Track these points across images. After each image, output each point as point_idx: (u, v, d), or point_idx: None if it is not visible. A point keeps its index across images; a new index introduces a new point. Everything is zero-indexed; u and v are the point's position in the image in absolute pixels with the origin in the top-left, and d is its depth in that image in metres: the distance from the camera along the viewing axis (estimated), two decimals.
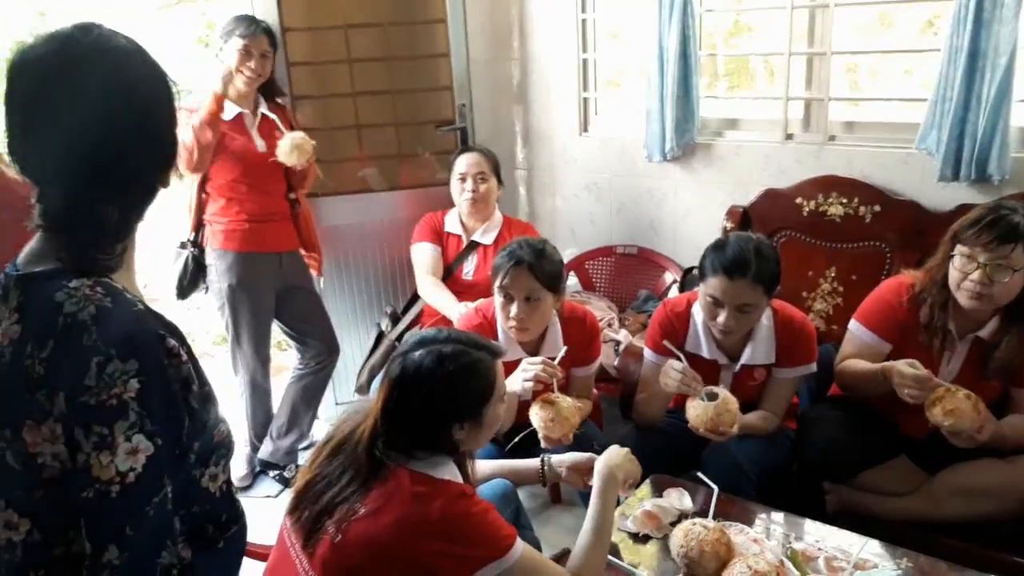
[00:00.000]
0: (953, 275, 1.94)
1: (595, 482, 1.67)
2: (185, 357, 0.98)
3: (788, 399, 2.22)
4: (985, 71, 2.33)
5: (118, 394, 0.90)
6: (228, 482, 1.09)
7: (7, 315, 0.98)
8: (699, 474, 1.83)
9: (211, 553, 1.08)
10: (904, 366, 1.88)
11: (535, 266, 2.08)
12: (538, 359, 2.02)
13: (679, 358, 2.04)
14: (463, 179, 2.84)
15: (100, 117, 0.96)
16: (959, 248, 1.92)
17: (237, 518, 1.12)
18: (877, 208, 2.60)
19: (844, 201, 2.64)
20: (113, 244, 1.01)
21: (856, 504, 2.14)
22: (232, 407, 3.10)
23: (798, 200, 2.73)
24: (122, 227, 1.02)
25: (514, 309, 2.09)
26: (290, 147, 2.66)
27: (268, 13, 2.91)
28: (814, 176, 2.72)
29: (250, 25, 2.62)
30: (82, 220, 0.98)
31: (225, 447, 1.06)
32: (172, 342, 0.96)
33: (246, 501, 2.88)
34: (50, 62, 0.96)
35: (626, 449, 1.75)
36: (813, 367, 2.18)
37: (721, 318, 2.03)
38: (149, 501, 0.93)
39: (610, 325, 2.95)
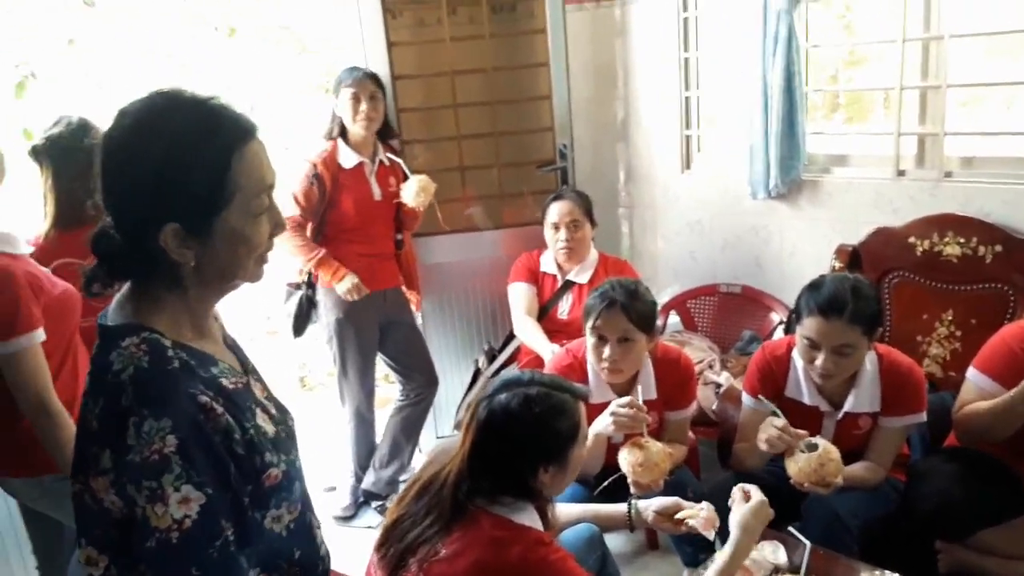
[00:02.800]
0: None
1: (732, 531, 1.63)
2: (221, 410, 1.00)
3: (895, 450, 2.10)
4: None
5: (158, 450, 0.94)
6: (296, 521, 1.12)
7: (92, 363, 1.06)
8: (791, 528, 1.75)
9: None
10: None
11: (628, 307, 2.07)
12: (626, 400, 2.00)
13: (776, 413, 1.97)
14: (556, 228, 2.87)
15: (132, 183, 1.02)
16: None
17: (316, 561, 1.16)
18: (999, 248, 2.44)
19: (961, 241, 2.50)
20: (115, 281, 1.07)
21: (973, 566, 1.99)
22: (339, 437, 3.23)
23: (911, 239, 2.60)
24: (140, 272, 1.06)
25: (607, 351, 2.08)
26: (417, 189, 2.80)
27: (380, 63, 3.06)
28: (929, 214, 2.58)
29: (353, 72, 2.77)
30: (115, 255, 1.05)
31: (282, 489, 1.09)
32: (204, 398, 0.99)
33: (349, 531, 3.01)
34: (113, 133, 1.05)
35: (762, 502, 1.68)
36: (923, 416, 2.05)
37: (818, 361, 1.96)
38: (211, 544, 0.97)
39: (711, 367, 2.89)
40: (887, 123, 3.49)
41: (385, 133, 2.92)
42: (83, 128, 2.16)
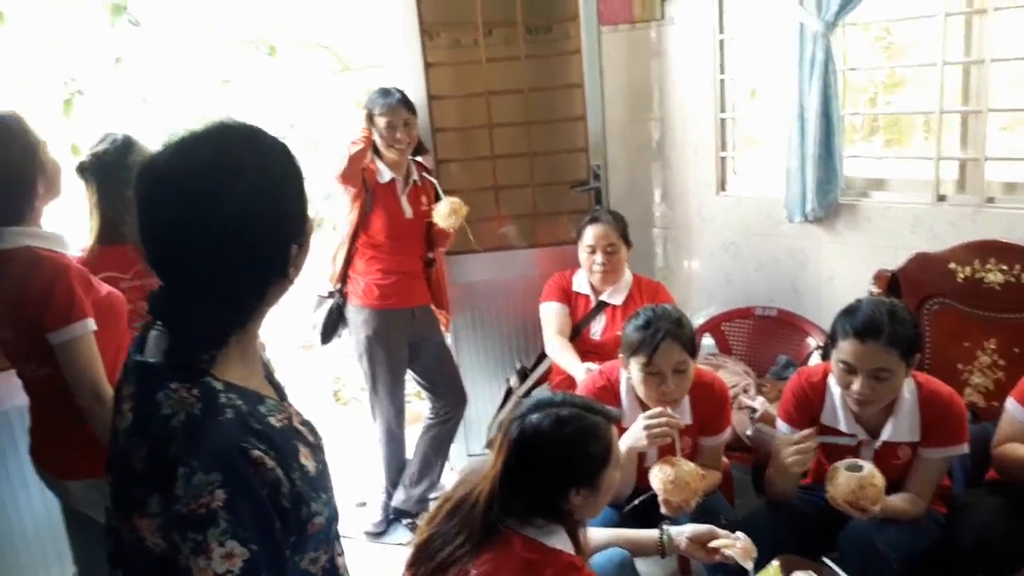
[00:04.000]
0: None
1: None
2: (271, 464, 0.96)
3: (936, 481, 2.05)
4: None
5: (206, 504, 0.91)
6: (331, 560, 1.10)
7: (126, 398, 1.03)
8: (826, 559, 1.72)
9: None
10: None
11: (679, 335, 2.04)
12: (656, 410, 1.98)
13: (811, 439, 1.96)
14: (592, 251, 2.85)
15: (201, 230, 0.97)
16: None
17: None
18: None
19: (1004, 268, 2.45)
20: (209, 350, 1.01)
21: None
22: (371, 452, 3.25)
23: (952, 265, 2.55)
24: (221, 334, 1.02)
25: (667, 384, 2.04)
26: (448, 211, 2.83)
27: (417, 84, 3.10)
28: (970, 240, 2.54)
29: (387, 98, 2.80)
30: (177, 324, 1.01)
31: (323, 534, 1.06)
32: (256, 452, 0.96)
33: (379, 548, 3.01)
34: (164, 168, 1.00)
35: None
36: (964, 448, 2.01)
37: (855, 385, 1.92)
38: None
39: (745, 391, 2.85)
40: (927, 147, 3.45)
41: (416, 150, 2.96)
42: (127, 145, 2.21)
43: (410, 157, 2.96)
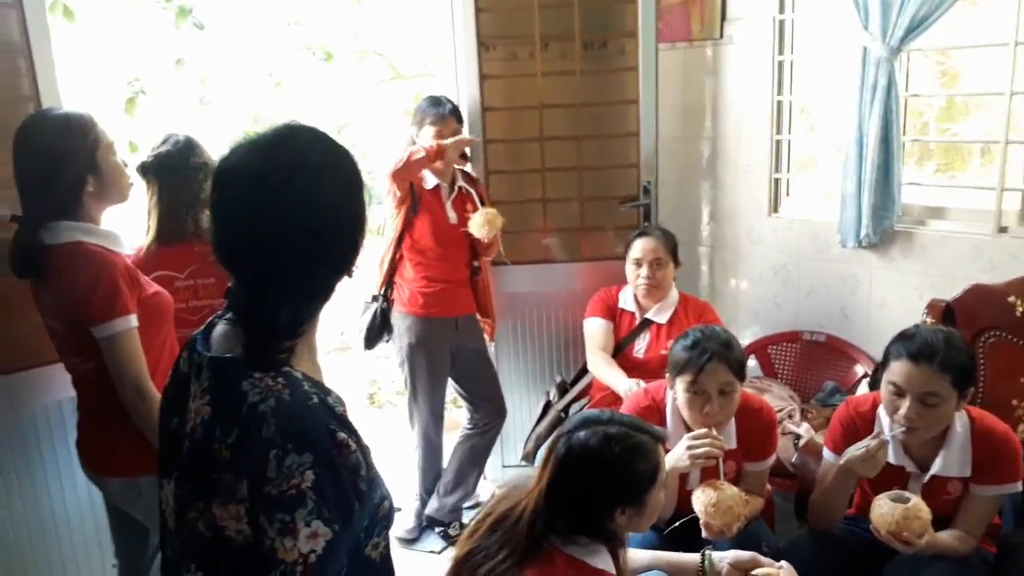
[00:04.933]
0: None
1: None
2: (354, 447, 1.02)
3: (987, 519, 1.99)
4: None
5: (296, 484, 0.95)
6: (387, 546, 1.14)
7: (199, 394, 1.05)
8: None
9: None
10: None
11: (727, 357, 2.02)
12: (702, 431, 1.96)
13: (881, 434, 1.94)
14: (639, 264, 2.83)
15: (282, 227, 1.02)
16: None
17: None
18: None
19: None
20: (285, 342, 1.05)
21: None
22: (406, 457, 3.26)
23: (1011, 299, 2.48)
24: (295, 326, 1.06)
25: (711, 406, 2.01)
26: (482, 221, 2.84)
27: (471, 95, 3.13)
28: None
29: (438, 108, 2.84)
30: (258, 319, 1.04)
31: (388, 519, 1.11)
32: (342, 435, 1.00)
33: (411, 554, 3.02)
34: (244, 170, 1.04)
35: None
36: (1018, 486, 1.95)
37: (903, 409, 1.88)
38: None
39: (791, 417, 2.81)
40: (984, 175, 3.38)
41: (462, 157, 2.98)
42: (189, 147, 2.26)
43: (458, 167, 2.98)
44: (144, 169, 2.23)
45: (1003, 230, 2.62)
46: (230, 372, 1.03)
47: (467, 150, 3.03)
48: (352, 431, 1.04)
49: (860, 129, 2.76)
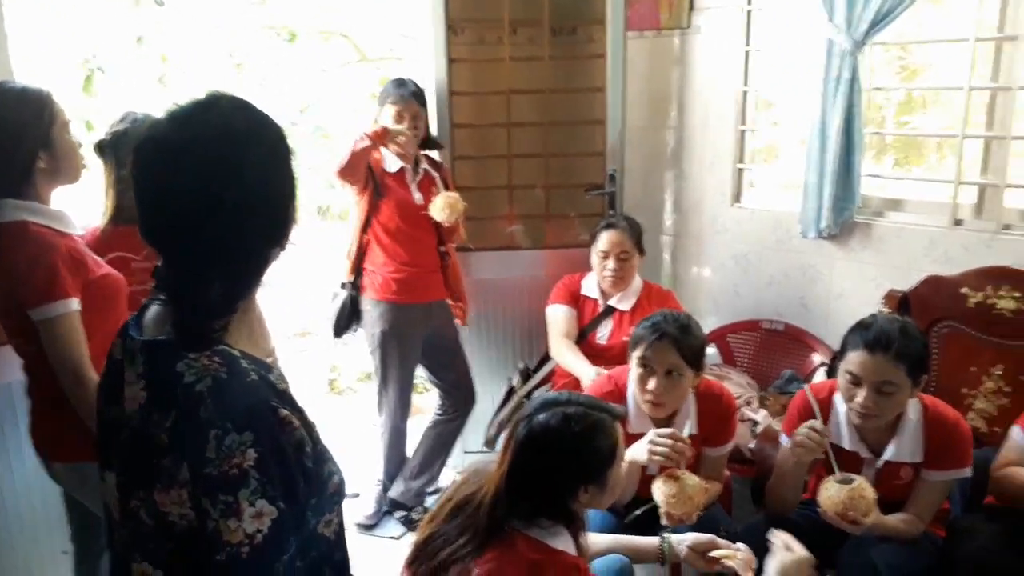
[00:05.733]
0: None
1: None
2: (297, 423, 1.00)
3: (937, 504, 2.05)
4: None
5: (238, 464, 0.93)
6: (340, 524, 1.13)
7: (134, 379, 1.02)
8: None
9: None
10: None
11: (679, 340, 2.04)
12: (667, 431, 1.99)
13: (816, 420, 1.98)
14: (605, 256, 2.84)
15: (207, 197, 0.98)
16: None
17: (348, 563, 1.17)
18: None
19: (1017, 295, 2.44)
20: (219, 319, 1.03)
21: None
22: (367, 443, 3.24)
23: (964, 290, 2.55)
24: (229, 302, 1.04)
25: (652, 383, 2.06)
26: (443, 204, 2.82)
27: (438, 79, 3.11)
28: (984, 266, 2.54)
29: (400, 89, 2.82)
30: (188, 297, 1.01)
31: (339, 495, 1.09)
32: (284, 411, 0.99)
33: (370, 540, 3.01)
34: (166, 142, 1.00)
35: (805, 558, 1.64)
36: (967, 472, 2.01)
37: (859, 398, 1.92)
38: (279, 559, 0.97)
39: (748, 404, 2.85)
40: (941, 169, 3.45)
41: (426, 144, 2.96)
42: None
43: (423, 152, 2.96)
44: (101, 147, 2.17)
45: (958, 223, 2.68)
46: (163, 354, 1.00)
47: (435, 135, 3.01)
48: (295, 407, 1.02)
49: (823, 121, 2.79)
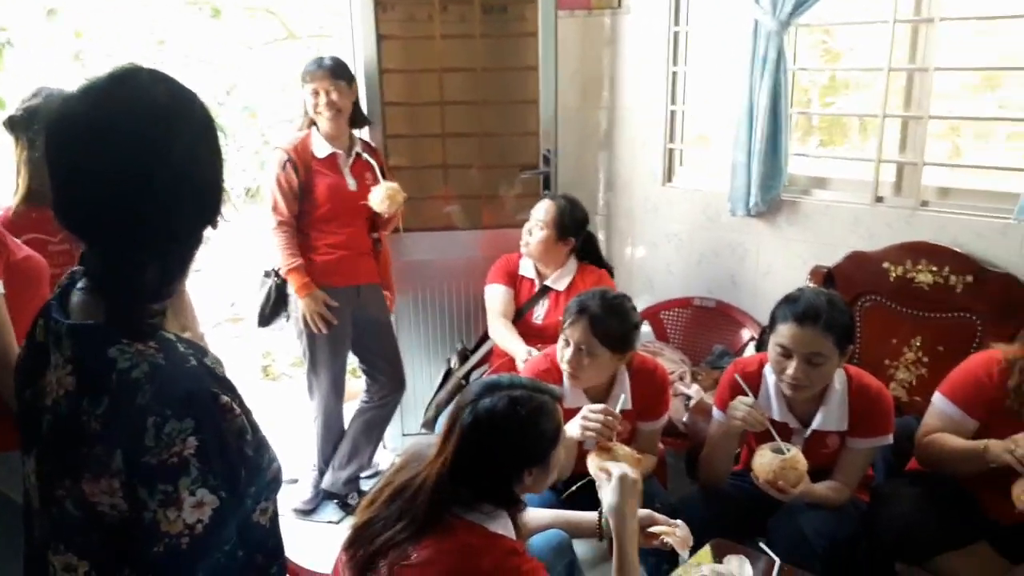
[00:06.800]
0: None
1: (611, 521, 1.66)
2: (238, 411, 0.97)
3: (862, 471, 2.13)
4: None
5: (178, 452, 0.90)
6: (275, 511, 1.10)
7: (61, 363, 0.97)
8: (761, 543, 1.77)
9: None
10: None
11: (598, 321, 2.08)
12: (600, 406, 2.01)
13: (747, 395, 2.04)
14: (528, 228, 2.87)
15: (134, 175, 0.93)
16: None
17: (282, 549, 1.14)
18: (969, 278, 2.49)
19: (934, 269, 2.55)
20: (157, 302, 0.99)
21: None
22: (302, 429, 3.19)
23: (885, 265, 2.64)
24: (164, 285, 1.00)
25: (571, 356, 2.10)
26: (383, 196, 2.78)
27: (368, 56, 3.04)
28: (904, 241, 2.64)
29: (313, 65, 2.76)
30: (121, 282, 0.97)
31: (277, 482, 1.07)
32: (225, 398, 0.96)
33: (308, 525, 2.96)
34: (84, 119, 0.94)
35: (633, 479, 1.70)
36: (889, 439, 2.09)
37: (790, 369, 1.98)
38: (219, 549, 0.95)
39: (681, 379, 2.91)
40: (865, 149, 3.56)
41: (356, 122, 2.90)
42: None
43: (355, 132, 2.90)
44: (12, 123, 2.06)
45: (880, 200, 2.77)
46: (94, 339, 0.95)
47: (365, 110, 2.95)
48: (235, 393, 0.99)
49: (750, 101, 2.85)
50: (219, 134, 1.04)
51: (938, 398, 2.09)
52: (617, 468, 1.70)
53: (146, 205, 0.94)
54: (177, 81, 1.01)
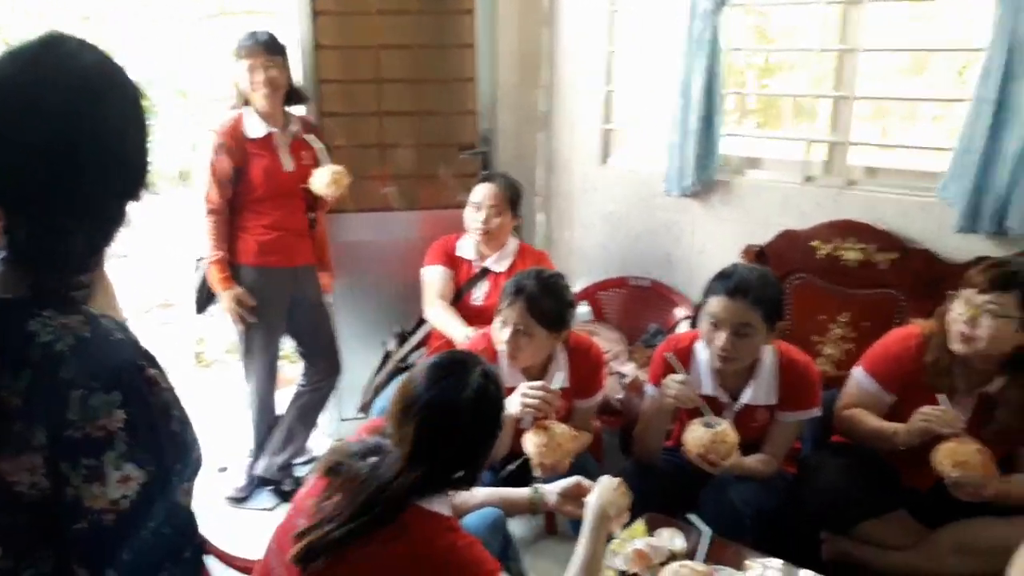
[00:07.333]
0: (949, 317, 1.94)
1: (585, 517, 1.65)
2: (165, 384, 0.96)
3: (789, 443, 2.19)
4: (1011, 125, 2.30)
5: (104, 426, 0.88)
6: (193, 492, 1.09)
7: None
8: (692, 516, 1.80)
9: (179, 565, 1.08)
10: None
11: (535, 301, 2.08)
12: (538, 383, 2.02)
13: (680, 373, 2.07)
14: (477, 208, 2.82)
15: (62, 143, 0.91)
16: (961, 292, 1.92)
17: (195, 534, 1.12)
18: (894, 255, 2.57)
19: (861, 247, 2.62)
20: (82, 274, 0.97)
21: (853, 555, 2.11)
22: (234, 416, 3.12)
23: (814, 243, 2.70)
24: (90, 255, 0.99)
25: (505, 334, 2.11)
26: (328, 179, 2.73)
27: (303, 31, 2.97)
28: (832, 220, 2.70)
29: (248, 40, 2.67)
30: (47, 252, 0.94)
31: (199, 463, 1.04)
32: (152, 371, 0.94)
33: (242, 513, 2.91)
34: (10, 84, 0.92)
35: (617, 481, 1.73)
36: (816, 411, 2.15)
37: (719, 341, 2.02)
38: (145, 526, 0.92)
39: (617, 357, 2.93)
40: (797, 130, 3.64)
41: (292, 100, 2.83)
42: None
43: (290, 110, 2.83)
44: None
45: (809, 180, 2.83)
46: (12, 313, 0.92)
47: (301, 90, 2.88)
48: (160, 368, 0.97)
49: (686, 81, 2.87)
50: (145, 108, 1.02)
51: (857, 372, 2.16)
52: (607, 478, 1.73)
53: (71, 175, 0.92)
54: (102, 50, 0.99)
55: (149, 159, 1.02)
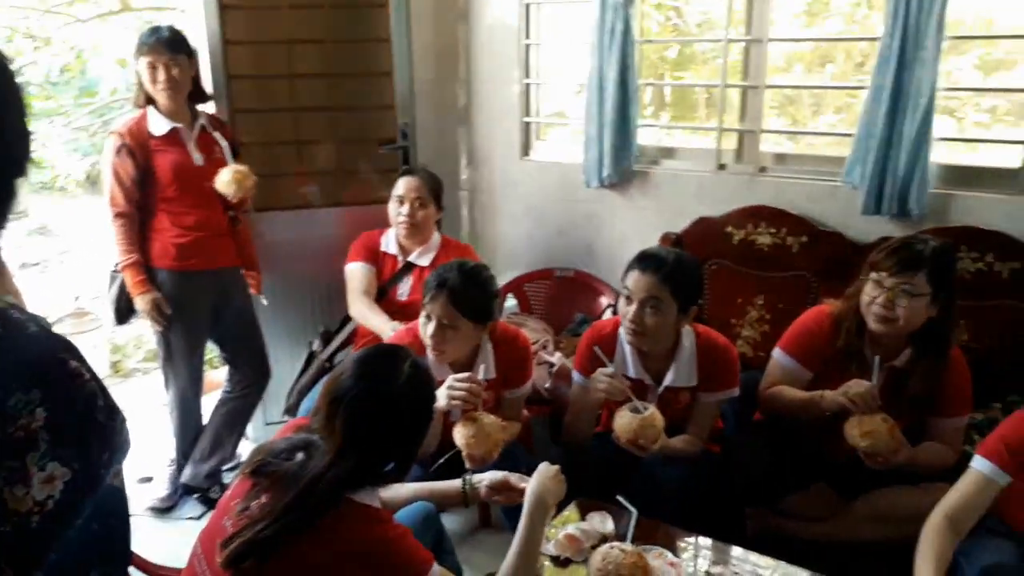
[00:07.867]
0: (863, 300, 2.03)
1: (524, 506, 1.67)
2: (88, 375, 0.92)
3: (711, 423, 2.25)
4: (907, 110, 2.43)
5: (25, 425, 0.85)
6: (122, 475, 1.06)
7: None
8: (619, 498, 1.83)
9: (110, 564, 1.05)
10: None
11: (458, 293, 2.08)
12: (465, 375, 2.02)
13: (608, 367, 2.10)
14: (401, 202, 2.81)
15: None
16: (871, 275, 2.01)
17: (126, 517, 1.09)
18: (804, 239, 2.67)
19: (773, 231, 2.71)
20: None
21: (777, 528, 2.18)
22: (156, 426, 3.02)
23: (729, 229, 2.79)
24: None
25: (431, 329, 2.10)
26: (230, 179, 2.64)
27: (210, 26, 2.89)
28: (745, 206, 2.79)
29: (150, 37, 2.58)
30: None
31: (129, 444, 1.02)
32: (73, 363, 0.90)
33: (168, 524, 2.82)
34: None
35: (555, 468, 1.74)
36: (736, 391, 2.22)
37: (630, 314, 2.08)
38: (72, 524, 0.89)
39: (545, 347, 2.96)
40: (710, 120, 3.74)
41: (198, 98, 2.75)
42: None
43: (198, 107, 2.75)
44: None
45: (722, 167, 2.91)
46: None
47: (209, 91, 2.80)
48: (81, 358, 0.93)
49: (600, 73, 2.91)
50: (18, 84, 0.96)
51: (777, 352, 2.24)
52: (544, 465, 1.74)
53: None
54: None
55: (30, 131, 0.97)
